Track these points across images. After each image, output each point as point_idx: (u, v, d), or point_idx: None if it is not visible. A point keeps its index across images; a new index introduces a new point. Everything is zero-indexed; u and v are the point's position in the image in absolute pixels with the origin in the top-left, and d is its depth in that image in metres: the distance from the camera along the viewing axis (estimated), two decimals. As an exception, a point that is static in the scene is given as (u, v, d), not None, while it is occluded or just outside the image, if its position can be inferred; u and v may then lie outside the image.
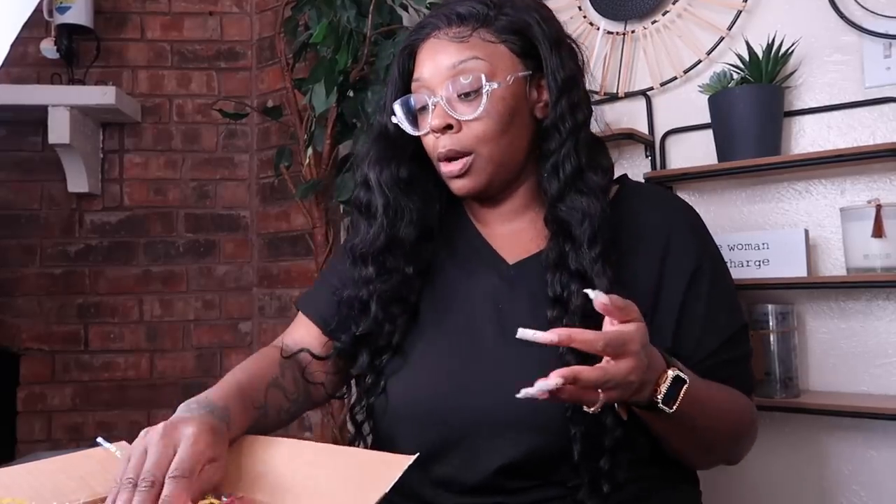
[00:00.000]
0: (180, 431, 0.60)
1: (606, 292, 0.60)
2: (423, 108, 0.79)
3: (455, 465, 0.74)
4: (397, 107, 0.81)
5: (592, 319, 0.64)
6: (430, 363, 0.79)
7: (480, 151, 0.77)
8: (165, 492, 0.55)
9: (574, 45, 0.83)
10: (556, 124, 0.77)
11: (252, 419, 0.73)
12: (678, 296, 0.76)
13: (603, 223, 0.74)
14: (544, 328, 0.57)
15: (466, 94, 0.76)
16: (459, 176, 0.79)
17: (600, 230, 0.73)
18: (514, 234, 0.84)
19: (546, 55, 0.78)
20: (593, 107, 0.83)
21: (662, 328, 0.75)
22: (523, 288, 0.79)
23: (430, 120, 0.77)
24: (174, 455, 0.58)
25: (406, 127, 0.81)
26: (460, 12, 0.78)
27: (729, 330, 0.78)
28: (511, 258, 0.82)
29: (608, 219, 0.74)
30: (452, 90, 0.76)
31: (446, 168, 0.79)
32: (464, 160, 0.78)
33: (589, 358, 0.61)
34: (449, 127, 0.77)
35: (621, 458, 0.70)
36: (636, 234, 0.79)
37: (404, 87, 0.83)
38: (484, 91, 0.75)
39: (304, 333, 0.89)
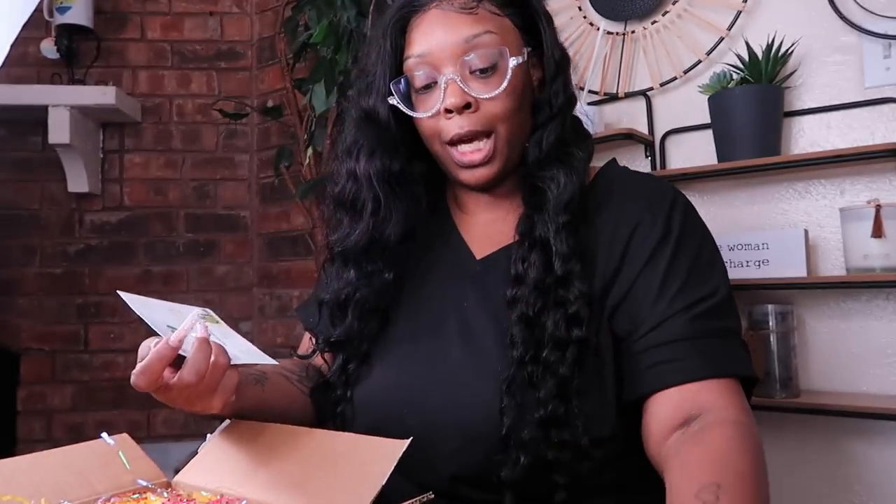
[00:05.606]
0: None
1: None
2: (427, 88, 0.73)
3: (415, 470, 0.65)
4: (395, 87, 0.73)
5: (543, 294, 0.66)
6: (392, 369, 0.75)
7: (500, 131, 0.72)
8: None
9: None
10: (549, 99, 0.74)
11: (251, 389, 0.71)
12: (634, 273, 0.69)
13: (576, 195, 0.70)
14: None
15: (483, 71, 0.70)
16: (481, 164, 0.72)
17: (571, 201, 0.70)
18: (491, 222, 0.80)
19: (545, 29, 0.75)
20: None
21: (608, 308, 0.69)
22: (488, 283, 0.74)
23: (445, 99, 0.70)
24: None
25: (405, 109, 0.73)
26: None
27: (696, 295, 0.67)
28: (480, 252, 0.78)
29: (584, 193, 0.72)
30: (468, 66, 0.70)
31: (465, 156, 0.72)
32: (486, 145, 0.72)
33: (545, 370, 0.62)
34: (467, 106, 0.70)
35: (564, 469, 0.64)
36: (606, 216, 0.73)
37: (397, 66, 0.75)
38: (509, 67, 0.70)
39: (307, 342, 0.88)
